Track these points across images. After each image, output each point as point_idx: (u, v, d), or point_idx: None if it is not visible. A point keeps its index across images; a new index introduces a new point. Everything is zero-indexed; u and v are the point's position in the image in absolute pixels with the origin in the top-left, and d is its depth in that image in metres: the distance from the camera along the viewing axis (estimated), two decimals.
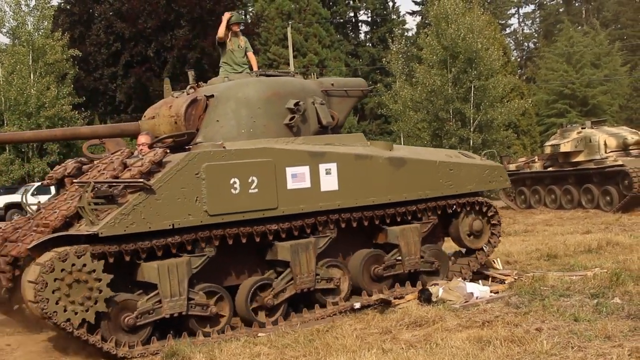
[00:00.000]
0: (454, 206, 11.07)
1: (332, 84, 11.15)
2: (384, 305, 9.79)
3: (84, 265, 7.83)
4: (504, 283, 10.95)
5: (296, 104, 10.07)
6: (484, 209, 11.37)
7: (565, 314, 8.57)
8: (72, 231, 8.22)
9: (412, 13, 70.67)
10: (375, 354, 7.39)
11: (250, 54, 11.46)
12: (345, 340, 7.96)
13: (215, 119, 9.80)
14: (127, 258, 8.26)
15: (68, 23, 38.81)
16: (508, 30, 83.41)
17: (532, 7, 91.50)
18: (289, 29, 47.73)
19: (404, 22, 67.88)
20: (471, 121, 35.03)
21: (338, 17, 66.58)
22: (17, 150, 33.64)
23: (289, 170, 9.30)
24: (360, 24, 70.17)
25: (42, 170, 32.88)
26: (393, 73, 45.38)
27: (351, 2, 67.98)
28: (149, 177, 8.34)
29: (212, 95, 9.91)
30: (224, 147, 9.17)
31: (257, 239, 9.17)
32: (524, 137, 46.06)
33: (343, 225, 9.90)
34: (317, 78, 11.47)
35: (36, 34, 34.66)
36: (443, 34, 35.27)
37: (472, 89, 34.74)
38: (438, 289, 9.94)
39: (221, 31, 11.22)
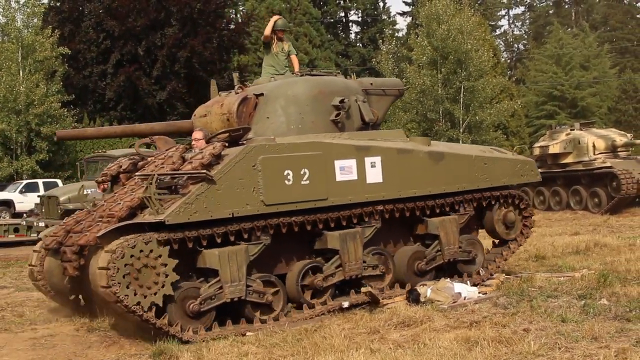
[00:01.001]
0: (489, 199, 11.60)
1: (371, 84, 11.71)
2: (372, 300, 9.81)
3: (151, 251, 8.27)
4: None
5: (341, 101, 10.63)
6: (517, 202, 11.91)
7: (553, 315, 8.60)
8: (136, 220, 8.63)
9: (403, 14, 70.75)
10: (363, 353, 7.39)
11: (293, 57, 12.10)
12: (333, 340, 7.95)
13: (265, 116, 10.40)
14: (190, 245, 8.64)
15: (58, 20, 38.58)
16: (498, 32, 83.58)
17: (522, 8, 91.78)
18: None
19: (394, 23, 68.07)
20: (461, 122, 35.12)
21: (328, 17, 66.60)
22: (6, 148, 33.50)
23: (338, 163, 9.78)
24: (350, 24, 70.23)
25: (30, 167, 32.75)
26: (383, 73, 45.40)
27: (342, 2, 68.05)
28: (209, 169, 8.76)
29: (262, 94, 10.49)
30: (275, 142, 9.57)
31: (309, 228, 9.63)
32: (513, 138, 46.19)
33: (387, 216, 10.37)
34: (357, 78, 11.99)
35: (25, 31, 34.48)
36: (433, 35, 35.36)
37: (462, 89, 34.83)
38: (426, 290, 9.96)
39: (267, 31, 11.88)
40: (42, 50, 33.67)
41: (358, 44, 67.60)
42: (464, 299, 9.86)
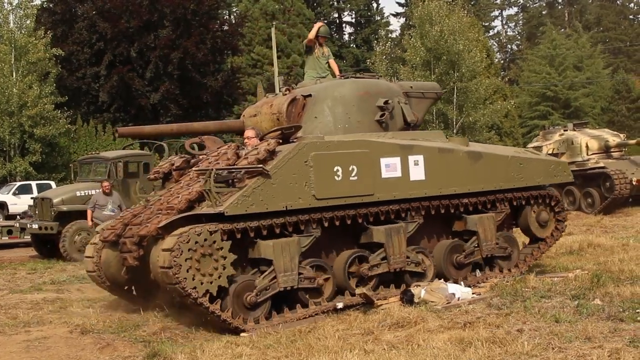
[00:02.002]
0: (524, 198, 12.04)
1: (411, 87, 12.27)
2: (367, 301, 9.81)
3: (214, 242, 8.80)
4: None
5: (386, 102, 11.16)
6: (550, 201, 12.34)
7: (547, 315, 8.61)
8: (195, 212, 9.16)
9: (396, 14, 70.86)
10: (357, 354, 7.39)
11: (332, 61, 12.62)
12: (327, 341, 7.96)
13: (313, 116, 10.91)
14: (248, 235, 9.17)
15: (51, 22, 38.51)
16: (491, 32, 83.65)
17: (515, 9, 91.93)
18: (273, 29, 47.66)
19: (388, 24, 68.19)
20: (454, 122, 35.15)
21: (322, 17, 66.55)
22: None
23: (383, 161, 10.29)
24: (344, 25, 70.30)
25: (24, 169, 32.65)
26: (377, 74, 45.41)
27: (335, 3, 68.11)
28: (264, 164, 9.30)
29: (310, 95, 11.00)
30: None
31: (360, 221, 10.15)
32: (506, 138, 46.26)
33: (430, 213, 10.89)
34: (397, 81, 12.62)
35: (18, 32, 34.36)
36: (426, 36, 35.37)
37: (455, 90, 34.87)
38: (420, 290, 9.97)
39: (311, 36, 12.44)
40: (35, 51, 33.56)
41: (352, 45, 67.63)
42: (458, 299, 9.87)
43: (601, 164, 24.55)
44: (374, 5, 68.04)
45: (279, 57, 49.61)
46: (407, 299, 9.82)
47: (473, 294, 10.30)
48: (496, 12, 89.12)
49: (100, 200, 16.88)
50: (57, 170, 34.73)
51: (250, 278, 9.32)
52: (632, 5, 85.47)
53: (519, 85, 62.11)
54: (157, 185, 11.52)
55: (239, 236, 9.05)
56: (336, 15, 68.95)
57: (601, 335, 7.63)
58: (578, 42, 64.06)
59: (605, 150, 25.75)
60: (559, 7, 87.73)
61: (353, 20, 69.19)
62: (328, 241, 10.14)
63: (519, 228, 12.65)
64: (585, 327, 7.86)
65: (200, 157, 10.81)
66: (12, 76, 33.26)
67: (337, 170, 9.76)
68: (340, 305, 9.77)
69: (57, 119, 33.88)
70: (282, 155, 9.46)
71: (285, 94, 11.18)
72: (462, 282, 10.78)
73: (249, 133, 10.72)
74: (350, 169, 9.86)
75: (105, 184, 17.08)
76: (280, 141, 9.90)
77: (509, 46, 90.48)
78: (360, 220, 10.15)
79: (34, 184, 29.34)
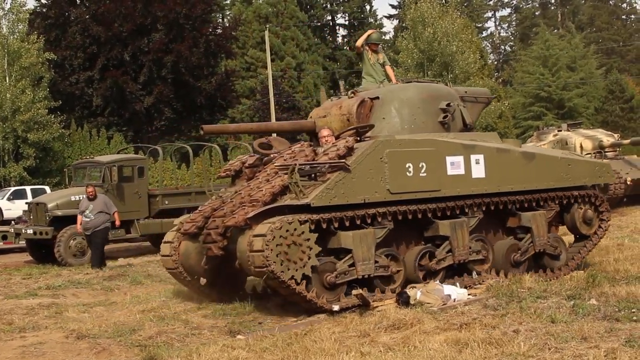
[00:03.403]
0: (574, 196, 12.53)
1: (466, 92, 12.98)
2: (363, 303, 9.82)
3: (302, 232, 9.50)
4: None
5: (448, 105, 11.78)
6: (594, 201, 12.77)
7: (542, 316, 8.61)
8: (279, 204, 9.84)
9: (390, 17, 70.95)
10: (354, 357, 7.38)
11: (388, 68, 13.20)
12: (323, 343, 7.94)
13: (381, 117, 11.46)
14: (328, 226, 9.81)
15: (44, 26, 38.49)
16: (485, 34, 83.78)
17: (508, 10, 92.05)
18: (266, 32, 47.69)
19: (381, 26, 68.03)
20: None
21: (316, 20, 66.64)
22: None
23: (449, 159, 10.93)
24: (337, 27, 70.35)
25: (18, 174, 32.61)
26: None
27: (329, 5, 68.13)
28: (344, 160, 9.95)
29: (377, 97, 11.60)
30: None
31: (430, 215, 10.76)
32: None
33: (490, 208, 11.48)
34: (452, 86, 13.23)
35: (11, 37, 34.35)
36: (419, 37, 35.42)
37: None
38: (416, 292, 9.96)
39: (358, 43, 13.06)
40: (28, 56, 33.53)
41: (345, 47, 67.65)
42: (454, 301, 9.87)
43: None
44: (367, 7, 68.07)
45: (272, 60, 49.65)
46: (403, 300, 9.81)
47: (469, 295, 10.30)
48: (489, 14, 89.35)
49: (82, 206, 16.88)
50: (51, 175, 34.72)
51: (331, 260, 9.98)
52: (624, 5, 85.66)
53: (513, 86, 62.24)
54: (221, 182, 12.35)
55: (324, 226, 9.72)
56: (329, 17, 68.97)
57: (597, 335, 7.63)
58: (571, 42, 64.18)
59: (600, 150, 25.79)
60: (552, 7, 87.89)
61: (346, 23, 69.24)
62: (395, 234, 10.65)
63: (564, 226, 13.08)
64: (581, 327, 7.86)
65: (272, 155, 11.57)
66: (5, 81, 33.27)
67: (409, 167, 10.44)
68: (336, 307, 9.77)
69: (50, 124, 33.87)
70: (360, 152, 10.18)
71: (351, 97, 11.78)
72: (457, 284, 10.79)
73: (325, 132, 11.31)
74: (420, 165, 10.53)
75: (89, 189, 16.97)
76: (358, 139, 10.69)
77: (502, 47, 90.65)
78: (429, 215, 10.77)
79: (28, 189, 29.31)
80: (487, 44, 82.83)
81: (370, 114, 11.53)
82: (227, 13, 65.45)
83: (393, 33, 63.21)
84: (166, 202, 20.74)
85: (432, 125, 11.65)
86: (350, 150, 10.21)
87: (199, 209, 11.29)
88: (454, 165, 10.97)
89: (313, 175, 9.99)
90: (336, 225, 9.90)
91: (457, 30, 35.54)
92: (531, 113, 57.38)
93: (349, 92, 12.05)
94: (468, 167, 11.12)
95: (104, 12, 38.42)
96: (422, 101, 11.70)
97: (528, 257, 11.93)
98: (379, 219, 10.25)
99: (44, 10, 40.29)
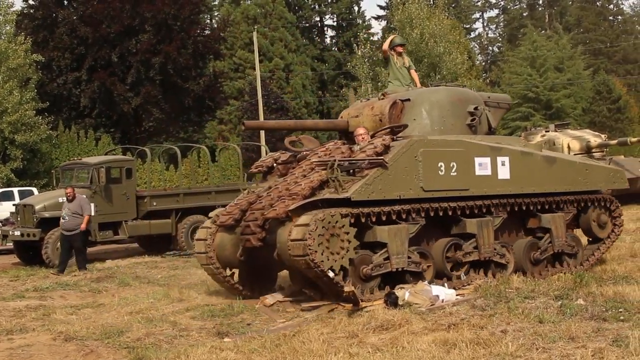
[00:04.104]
0: (591, 200, 13.00)
1: (489, 97, 13.51)
2: (354, 300, 9.84)
3: (343, 225, 9.97)
4: None
5: (475, 108, 12.39)
6: (609, 205, 13.24)
7: (530, 316, 8.64)
8: (317, 198, 10.22)
9: (378, 17, 71.07)
10: (342, 357, 7.39)
11: (413, 72, 13.61)
12: (312, 344, 7.94)
13: (412, 118, 12.01)
14: (365, 220, 10.30)
15: (31, 27, 38.35)
16: (473, 35, 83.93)
17: (496, 11, 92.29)
18: (254, 33, 47.64)
19: (369, 27, 68.09)
20: None
21: (304, 21, 66.66)
22: None
23: (477, 160, 11.40)
24: (326, 28, 70.32)
25: (5, 176, 32.48)
26: (359, 77, 45.51)
27: (317, 6, 68.08)
28: (382, 157, 10.45)
29: (408, 99, 12.14)
30: None
31: (459, 213, 11.24)
32: None
33: (513, 209, 11.93)
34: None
35: None
36: (407, 39, 35.47)
37: None
38: (404, 293, 9.98)
39: (384, 47, 13.53)
40: (16, 57, 33.40)
41: (333, 48, 67.66)
42: (442, 301, 9.88)
43: None
44: (356, 8, 68.08)
45: (260, 61, 49.61)
46: (392, 301, 9.82)
47: (457, 295, 10.32)
48: (477, 14, 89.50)
49: (63, 207, 16.98)
50: (39, 177, 34.58)
51: (367, 253, 10.40)
52: (611, 6, 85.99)
53: (501, 86, 62.31)
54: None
55: (363, 220, 10.21)
56: (318, 18, 68.96)
57: (585, 335, 7.66)
58: (559, 43, 64.33)
59: (587, 150, 25.88)
60: (540, 8, 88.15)
61: (334, 24, 69.21)
62: (424, 230, 11.06)
63: (580, 229, 13.44)
64: (568, 327, 7.89)
65: (304, 152, 12.12)
66: None
67: (441, 166, 10.91)
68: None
69: (38, 125, 33.73)
70: (396, 150, 10.64)
71: (382, 99, 12.36)
72: (446, 284, 10.81)
73: (361, 130, 11.69)
74: (450, 165, 11.00)
75: (68, 190, 17.04)
76: (394, 137, 11.11)
77: (490, 48, 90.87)
78: (459, 213, 11.24)
79: (15, 190, 29.20)
80: (475, 45, 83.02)
81: (401, 115, 12.07)
82: (216, 14, 65.41)
83: (381, 34, 63.20)
84: (154, 204, 20.69)
85: (460, 127, 12.20)
86: (386, 149, 10.71)
87: (235, 202, 11.74)
88: (482, 166, 11.44)
89: (352, 170, 10.47)
90: (373, 219, 10.35)
91: (444, 31, 35.65)
92: (519, 114, 57.47)
93: (379, 94, 12.66)
94: (494, 168, 11.59)
95: (92, 13, 38.32)
96: (452, 104, 12.25)
97: (547, 257, 12.33)
98: (413, 215, 10.74)
99: (32, 11, 40.13)
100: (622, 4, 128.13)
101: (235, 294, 11.63)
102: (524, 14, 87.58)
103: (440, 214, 11.01)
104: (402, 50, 13.42)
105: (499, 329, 8.10)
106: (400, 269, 10.55)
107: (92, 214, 17.51)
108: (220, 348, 8.22)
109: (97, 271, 16.63)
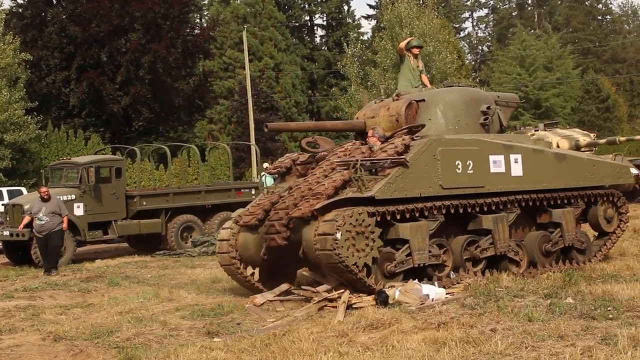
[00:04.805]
0: (599, 195, 13.37)
1: (498, 96, 13.83)
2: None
3: (369, 224, 10.30)
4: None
5: (488, 108, 12.73)
6: (615, 200, 13.60)
7: (520, 315, 8.67)
8: (340, 197, 10.50)
9: (367, 17, 70.94)
10: (332, 357, 7.39)
11: (424, 76, 13.92)
12: (302, 343, 7.94)
13: (427, 118, 12.30)
14: (394, 217, 10.64)
15: (20, 26, 38.16)
16: (462, 34, 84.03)
17: (485, 11, 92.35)
18: (244, 32, 47.57)
19: (359, 26, 68.08)
20: None
21: (294, 21, 66.63)
22: None
23: (492, 158, 11.74)
24: (315, 27, 70.29)
25: None
26: (348, 77, 45.51)
27: (307, 6, 68.06)
28: (403, 156, 10.72)
29: (423, 100, 12.45)
30: None
31: (477, 209, 11.57)
32: None
33: (527, 205, 12.27)
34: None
35: None
36: (397, 38, 35.50)
37: None
38: (395, 291, 10.00)
39: (401, 45, 13.92)
40: (4, 57, 33.25)
41: (323, 48, 67.65)
42: (432, 300, 9.90)
43: None
44: (345, 8, 68.06)
45: (250, 61, 49.55)
46: (382, 300, 9.84)
47: (447, 294, 10.35)
48: (467, 14, 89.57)
49: (35, 208, 16.67)
50: (28, 177, 34.40)
51: (390, 251, 10.70)
52: (600, 6, 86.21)
53: (490, 86, 62.39)
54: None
55: (388, 218, 10.53)
56: (308, 18, 68.93)
57: (574, 333, 7.70)
58: (548, 42, 64.52)
59: (576, 149, 25.87)
60: (529, 8, 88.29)
61: (324, 23, 69.22)
62: (442, 226, 11.33)
63: (587, 224, 13.82)
64: (557, 325, 7.93)
65: (322, 153, 12.37)
66: None
67: (458, 164, 11.24)
68: None
69: (27, 125, 33.54)
70: (415, 149, 10.94)
71: (396, 99, 12.63)
72: (436, 283, 10.84)
73: (379, 131, 12.01)
74: (467, 163, 11.34)
75: (43, 189, 16.85)
76: (413, 137, 11.37)
77: (480, 47, 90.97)
78: (477, 209, 11.57)
79: (4, 190, 29.03)
80: (465, 44, 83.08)
81: (416, 115, 12.37)
82: (205, 13, 65.29)
83: (371, 33, 63.20)
84: (144, 203, 20.66)
85: (474, 126, 12.52)
86: (406, 148, 10.96)
87: (257, 202, 11.99)
88: (496, 163, 11.77)
89: (374, 170, 10.76)
90: (396, 217, 10.64)
91: (434, 30, 35.67)
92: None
93: (393, 95, 12.91)
94: (508, 165, 11.92)
95: (81, 12, 38.13)
96: (465, 104, 12.57)
97: (557, 250, 12.64)
98: (433, 212, 11.04)
99: (20, 10, 39.93)
100: (611, 3, 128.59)
101: (255, 292, 11.68)
102: (513, 14, 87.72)
103: (460, 211, 11.36)
104: (417, 53, 13.73)
105: (488, 328, 8.13)
106: (422, 265, 10.83)
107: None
108: (210, 347, 8.22)
109: (86, 271, 16.59)
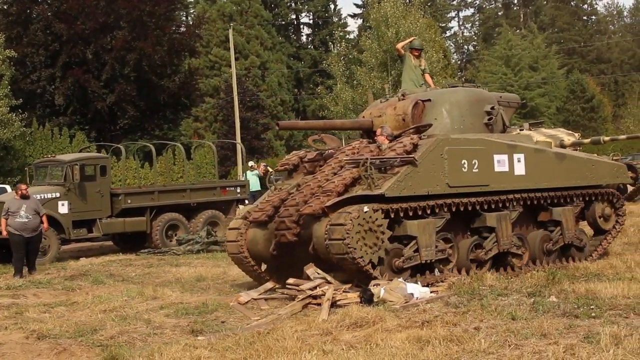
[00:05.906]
0: (597, 194, 13.62)
1: (500, 97, 14.08)
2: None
3: (377, 219, 10.48)
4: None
5: (492, 108, 12.98)
6: (612, 198, 13.84)
7: (503, 313, 8.70)
8: (350, 195, 10.75)
9: (354, 16, 71.11)
10: (316, 355, 7.39)
11: (427, 75, 14.31)
12: (286, 342, 7.94)
13: (433, 117, 12.51)
14: (396, 215, 10.82)
15: (5, 23, 37.95)
16: (448, 34, 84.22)
17: (471, 10, 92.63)
18: (230, 30, 47.53)
19: (345, 25, 68.22)
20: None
21: (280, 19, 66.61)
22: None
23: (496, 157, 11.99)
24: (302, 26, 70.34)
25: None
26: (334, 75, 45.53)
27: (293, 4, 68.07)
28: (412, 155, 10.93)
29: (429, 99, 12.72)
30: None
31: (482, 207, 11.78)
32: None
33: (528, 203, 12.51)
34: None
35: None
36: (382, 37, 35.54)
37: None
38: (379, 290, 10.01)
39: (399, 46, 14.46)
40: None
41: (309, 46, 67.68)
42: (416, 299, 9.93)
43: None
44: (332, 6, 68.12)
45: (236, 59, 49.53)
46: (367, 298, 9.85)
47: (431, 292, 10.37)
48: (453, 13, 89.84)
49: (12, 207, 16.03)
50: (12, 174, 34.23)
51: (398, 247, 10.94)
52: (585, 6, 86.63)
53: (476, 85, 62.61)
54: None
55: (392, 215, 10.71)
56: (294, 16, 68.95)
57: (556, 331, 7.74)
58: (533, 42, 64.80)
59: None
60: (515, 8, 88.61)
61: (311, 22, 69.27)
62: (447, 224, 11.50)
63: (585, 221, 14.02)
64: (541, 323, 7.96)
65: (330, 150, 12.57)
66: None
67: (464, 163, 11.48)
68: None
69: (12, 122, 33.37)
70: (423, 148, 11.15)
71: (402, 99, 12.80)
72: (419, 282, 10.87)
73: (388, 130, 12.11)
74: (473, 162, 11.57)
75: (22, 186, 16.51)
76: (422, 136, 11.55)
77: (466, 47, 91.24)
78: (480, 207, 11.76)
79: None
80: (451, 44, 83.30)
81: (422, 114, 12.61)
82: (191, 11, 65.18)
83: (357, 32, 63.26)
84: (129, 201, 20.56)
85: (478, 126, 12.76)
86: (415, 147, 11.17)
87: (266, 199, 12.23)
88: (500, 162, 12.00)
89: (383, 168, 10.95)
90: (405, 214, 10.89)
91: (420, 29, 35.69)
92: None
93: (399, 95, 13.08)
94: (511, 165, 12.17)
95: (67, 9, 37.94)
96: (470, 104, 12.82)
97: (557, 248, 12.89)
98: (440, 210, 11.28)
99: (5, 7, 39.71)
100: (596, 4, 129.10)
101: (262, 283, 11.92)
102: (499, 13, 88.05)
103: (465, 209, 11.57)
104: (418, 53, 14.02)
105: (472, 326, 8.16)
106: (429, 261, 11.05)
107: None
108: (194, 346, 8.20)
109: (70, 269, 16.52)
